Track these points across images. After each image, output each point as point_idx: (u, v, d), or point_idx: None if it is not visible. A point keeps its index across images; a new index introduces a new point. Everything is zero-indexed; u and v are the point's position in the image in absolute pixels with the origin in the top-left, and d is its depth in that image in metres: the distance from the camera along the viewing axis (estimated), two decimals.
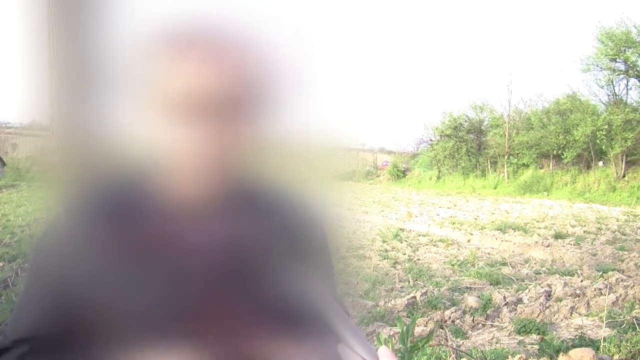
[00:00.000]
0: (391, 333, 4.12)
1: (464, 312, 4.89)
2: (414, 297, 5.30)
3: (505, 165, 27.78)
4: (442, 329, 4.43)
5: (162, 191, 0.62)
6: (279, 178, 0.68)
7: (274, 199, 0.70)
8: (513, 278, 6.71)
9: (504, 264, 7.73)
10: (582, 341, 3.77)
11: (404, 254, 8.33)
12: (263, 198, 0.69)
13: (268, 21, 0.61)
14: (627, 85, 23.97)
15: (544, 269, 7.38)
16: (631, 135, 21.75)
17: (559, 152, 24.70)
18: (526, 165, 26.95)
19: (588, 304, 5.08)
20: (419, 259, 8.07)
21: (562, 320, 4.82)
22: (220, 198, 0.63)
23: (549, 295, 5.59)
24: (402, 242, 9.50)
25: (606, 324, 4.10)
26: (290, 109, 0.65)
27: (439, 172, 32.26)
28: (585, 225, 11.77)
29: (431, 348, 3.61)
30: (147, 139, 0.62)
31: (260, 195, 0.69)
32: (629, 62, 22.70)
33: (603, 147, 22.81)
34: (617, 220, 12.97)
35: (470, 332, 4.58)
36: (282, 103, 0.64)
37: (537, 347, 3.83)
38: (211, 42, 0.59)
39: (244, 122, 0.61)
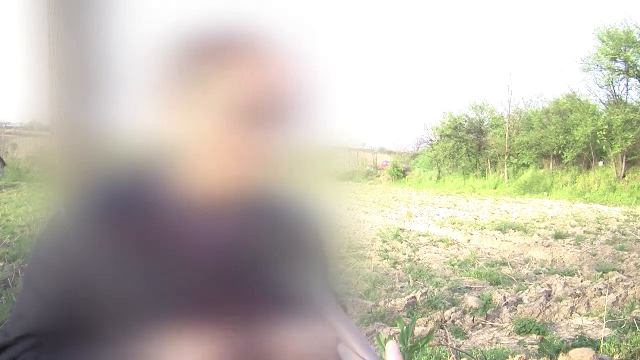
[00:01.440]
0: (391, 333, 4.12)
1: (464, 312, 4.89)
2: (414, 297, 5.31)
3: (505, 165, 27.77)
4: (442, 329, 4.43)
5: (173, 188, 0.63)
6: (286, 178, 0.68)
7: (282, 200, 0.71)
8: (513, 278, 6.71)
9: (504, 264, 7.73)
10: (582, 341, 3.77)
11: (404, 254, 8.33)
12: (273, 198, 0.69)
13: (290, 22, 0.61)
14: (627, 85, 23.98)
15: (544, 269, 7.38)
16: (631, 135, 21.74)
17: (559, 152, 24.70)
18: (526, 165, 26.95)
19: (588, 304, 5.08)
20: (419, 259, 8.07)
21: (562, 320, 4.82)
22: (239, 198, 0.63)
23: (549, 295, 5.59)
24: (402, 242, 9.50)
25: (606, 324, 4.10)
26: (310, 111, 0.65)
27: (439, 172, 32.25)
28: (585, 225, 11.77)
29: (431, 348, 3.61)
30: (172, 138, 0.61)
31: (271, 195, 0.69)
32: (629, 62, 22.68)
33: (603, 147, 22.80)
34: (617, 220, 12.96)
35: (470, 332, 4.58)
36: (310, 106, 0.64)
37: (537, 347, 3.83)
38: (266, 47, 0.60)
39: (290, 125, 0.62)
